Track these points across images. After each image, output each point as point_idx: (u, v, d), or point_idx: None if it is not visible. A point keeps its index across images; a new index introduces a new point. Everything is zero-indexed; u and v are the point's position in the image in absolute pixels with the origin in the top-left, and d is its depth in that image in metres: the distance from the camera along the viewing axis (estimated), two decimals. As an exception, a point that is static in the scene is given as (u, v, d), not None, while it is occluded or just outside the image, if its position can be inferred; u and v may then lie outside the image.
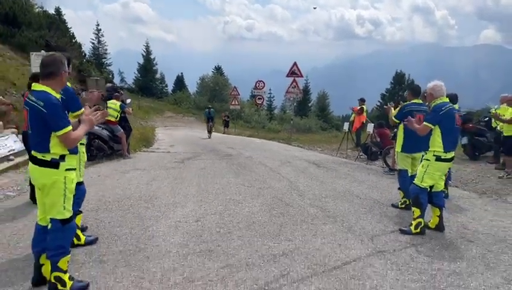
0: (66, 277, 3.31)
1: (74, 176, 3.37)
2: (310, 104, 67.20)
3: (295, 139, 19.87)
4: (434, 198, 5.11)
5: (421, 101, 5.85)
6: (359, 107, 14.39)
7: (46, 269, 3.39)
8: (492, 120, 10.42)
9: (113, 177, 7.86)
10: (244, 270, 3.79)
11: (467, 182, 8.51)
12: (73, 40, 36.25)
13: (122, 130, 10.14)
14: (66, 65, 3.39)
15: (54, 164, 3.20)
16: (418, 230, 4.89)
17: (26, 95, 5.85)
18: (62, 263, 3.29)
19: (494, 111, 9.78)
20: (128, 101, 11.06)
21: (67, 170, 3.26)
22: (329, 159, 11.83)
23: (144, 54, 65.45)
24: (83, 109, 4.14)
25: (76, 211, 4.12)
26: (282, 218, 5.44)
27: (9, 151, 8.68)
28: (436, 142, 4.88)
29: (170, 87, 68.95)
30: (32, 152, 3.26)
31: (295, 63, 19.70)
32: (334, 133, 27.94)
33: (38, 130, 3.17)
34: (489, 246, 4.62)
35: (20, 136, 9.24)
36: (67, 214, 3.28)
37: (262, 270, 3.81)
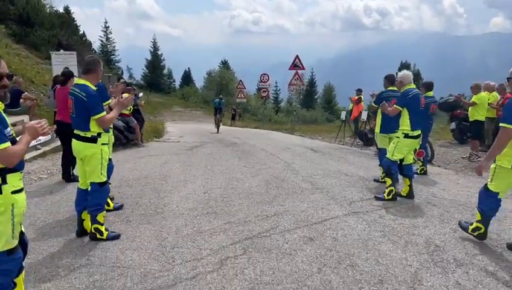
0: (103, 228, 4.29)
1: (107, 149, 4.35)
2: (316, 97, 67.98)
3: (298, 129, 20.75)
4: (404, 170, 6.01)
5: (396, 88, 6.71)
6: (357, 97, 15.21)
7: (87, 223, 4.37)
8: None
9: (130, 161, 8.84)
10: (242, 225, 4.74)
11: (449, 162, 9.36)
12: (84, 38, 37.35)
13: (135, 121, 11.12)
14: (101, 65, 4.34)
15: (93, 140, 4.17)
16: (390, 197, 5.79)
17: (57, 90, 6.85)
18: (100, 217, 4.26)
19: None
20: (141, 94, 12.04)
21: (102, 144, 4.23)
22: (327, 146, 12.74)
23: (152, 50, 66.50)
24: (111, 99, 5.08)
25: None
26: (276, 190, 6.37)
27: (36, 141, 9.67)
28: (405, 122, 5.77)
29: (178, 82, 70.03)
30: (75, 131, 4.23)
31: (297, 56, 20.53)
32: (337, 123, 28.71)
33: (81, 114, 4.13)
34: (449, 208, 5.52)
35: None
36: (104, 178, 4.25)
37: (257, 225, 4.76)
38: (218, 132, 18.69)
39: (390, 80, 6.79)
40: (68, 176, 6.84)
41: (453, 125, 11.94)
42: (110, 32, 62.46)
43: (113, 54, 62.91)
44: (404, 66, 60.05)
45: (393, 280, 3.46)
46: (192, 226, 4.73)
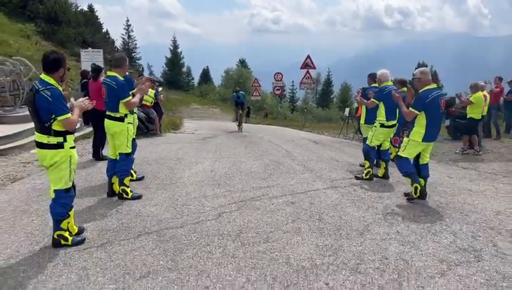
0: (128, 190, 5.46)
1: (132, 127, 5.51)
2: (332, 96, 68.80)
3: (308, 126, 21.74)
4: (382, 154, 7.02)
5: (377, 85, 7.70)
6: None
7: (116, 186, 5.54)
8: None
9: (150, 147, 10.03)
10: (239, 193, 5.86)
11: (437, 155, 10.26)
12: (107, 36, 39.00)
13: (155, 113, 12.34)
14: (127, 61, 5.51)
15: (121, 119, 5.33)
16: (368, 177, 6.81)
17: (90, 83, 8.06)
18: (126, 181, 5.43)
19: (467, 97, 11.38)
20: (160, 89, 13.30)
21: (128, 123, 5.39)
22: (329, 139, 13.75)
23: (171, 48, 68.20)
24: (135, 89, 6.22)
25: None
26: (273, 170, 7.46)
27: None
28: (381, 113, 6.78)
29: (196, 80, 71.56)
30: (107, 112, 5.40)
31: (308, 56, 21.55)
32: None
33: (112, 99, 5.30)
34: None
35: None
36: (129, 150, 5.42)
37: (251, 192, 5.87)
38: (240, 130, 16.07)
39: (372, 77, 7.78)
40: (98, 156, 8.06)
41: (447, 122, 12.80)
42: (132, 30, 64.33)
43: (134, 52, 64.79)
44: (422, 66, 60.42)
45: (348, 228, 4.52)
46: (199, 192, 5.87)
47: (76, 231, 4.15)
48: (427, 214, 5.09)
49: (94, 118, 7.79)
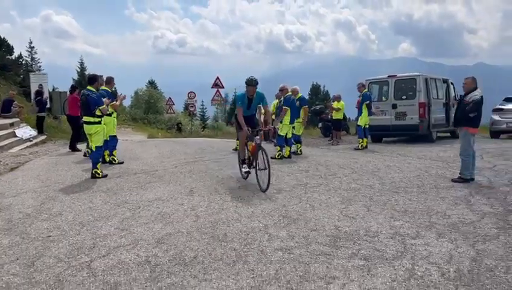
0: (116, 158, 8.93)
1: (115, 121, 9.01)
2: (239, 114, 73.76)
3: (221, 135, 25.81)
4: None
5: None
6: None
7: (106, 157, 8.94)
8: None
9: (103, 146, 13.24)
10: (183, 160, 9.59)
11: (309, 145, 14.87)
12: (21, 60, 39.56)
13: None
14: (114, 80, 9.03)
15: (110, 115, 8.77)
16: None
17: (68, 96, 11.23)
18: (114, 152, 8.92)
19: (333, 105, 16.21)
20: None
21: (114, 117, 8.90)
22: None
23: (79, 69, 68.13)
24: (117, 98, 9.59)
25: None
26: (201, 153, 11.28)
27: (29, 135, 13.70)
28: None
29: (106, 101, 71.71)
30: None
31: (217, 77, 25.75)
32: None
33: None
34: (296, 159, 10.77)
35: (28, 127, 14.32)
36: (115, 133, 8.92)
37: (191, 159, 9.65)
38: (263, 188, 6.62)
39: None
40: (74, 148, 11.20)
41: (320, 124, 17.69)
42: (35, 52, 63.27)
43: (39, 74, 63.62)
44: (315, 87, 68.52)
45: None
46: (158, 160, 9.52)
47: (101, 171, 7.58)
48: (291, 162, 9.33)
49: (71, 121, 10.96)
